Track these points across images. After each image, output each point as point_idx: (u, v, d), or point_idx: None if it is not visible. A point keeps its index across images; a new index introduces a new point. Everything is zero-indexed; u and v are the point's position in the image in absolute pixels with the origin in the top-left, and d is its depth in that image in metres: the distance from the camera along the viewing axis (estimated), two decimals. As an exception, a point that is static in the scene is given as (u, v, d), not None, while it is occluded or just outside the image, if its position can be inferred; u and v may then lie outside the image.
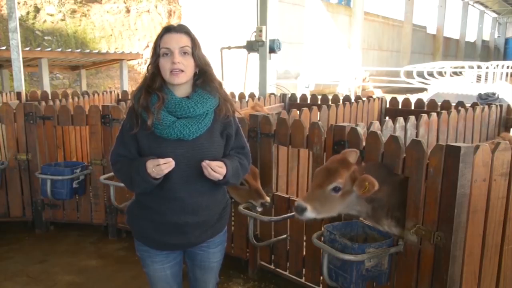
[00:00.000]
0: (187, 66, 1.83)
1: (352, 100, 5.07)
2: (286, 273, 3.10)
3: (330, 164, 2.20)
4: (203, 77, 1.90)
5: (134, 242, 2.03)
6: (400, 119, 3.48)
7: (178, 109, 1.84)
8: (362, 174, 2.12)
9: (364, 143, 2.41)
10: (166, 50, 1.81)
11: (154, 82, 1.84)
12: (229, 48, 9.05)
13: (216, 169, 1.81)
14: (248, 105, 4.80)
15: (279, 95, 5.87)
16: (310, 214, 2.08)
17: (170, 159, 1.77)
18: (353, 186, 2.10)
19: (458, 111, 4.04)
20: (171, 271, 2.03)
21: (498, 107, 4.53)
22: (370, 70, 17.65)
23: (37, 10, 13.16)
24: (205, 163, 1.80)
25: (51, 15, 13.40)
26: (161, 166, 1.75)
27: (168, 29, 1.85)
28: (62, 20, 13.55)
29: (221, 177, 1.84)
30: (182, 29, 1.85)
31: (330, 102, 5.21)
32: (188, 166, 1.84)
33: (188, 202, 1.88)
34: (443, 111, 3.96)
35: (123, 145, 1.90)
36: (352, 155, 2.25)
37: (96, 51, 10.43)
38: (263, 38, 7.27)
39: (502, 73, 14.83)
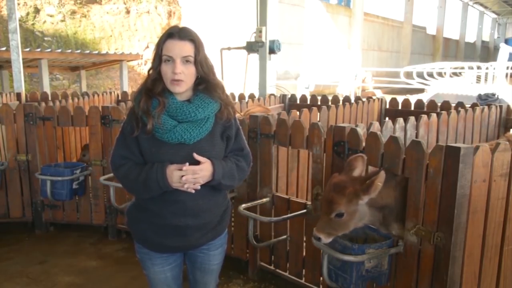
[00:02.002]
0: (188, 75, 1.80)
1: (352, 101, 5.07)
2: (286, 273, 3.10)
3: (326, 192, 2.22)
4: (206, 84, 1.86)
5: (134, 244, 2.02)
6: (400, 120, 3.48)
7: (179, 113, 1.82)
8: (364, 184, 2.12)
9: (364, 144, 2.41)
10: (168, 57, 1.77)
11: (156, 87, 1.81)
12: (229, 49, 9.06)
13: (195, 175, 1.78)
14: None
15: (279, 95, 5.87)
16: (326, 240, 2.18)
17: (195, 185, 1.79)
18: (365, 198, 2.10)
19: (458, 112, 4.04)
20: (171, 274, 2.02)
21: (498, 108, 4.54)
22: (370, 70, 17.65)
23: (37, 11, 13.16)
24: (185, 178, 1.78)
25: (51, 16, 13.40)
26: (184, 185, 1.78)
27: (171, 35, 1.79)
28: (62, 21, 13.55)
29: (202, 181, 1.81)
30: (186, 36, 1.79)
31: (330, 103, 5.21)
32: None
33: (189, 205, 1.87)
34: (442, 111, 3.96)
35: (125, 147, 1.87)
36: (358, 161, 2.22)
37: (96, 52, 10.43)
38: (263, 39, 7.27)
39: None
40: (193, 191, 1.81)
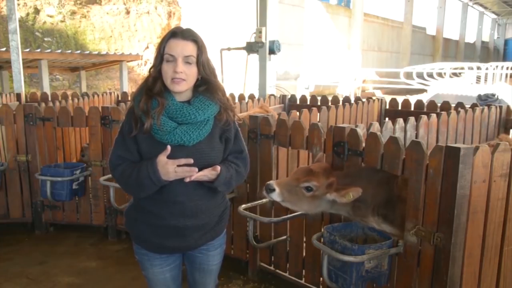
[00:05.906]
0: (189, 75, 1.80)
1: (352, 101, 5.07)
2: (286, 274, 3.10)
3: (314, 166, 2.33)
4: (207, 85, 1.87)
5: (133, 245, 2.02)
6: (400, 120, 3.48)
7: (179, 115, 1.81)
8: (342, 181, 2.21)
9: (363, 144, 2.41)
10: (170, 56, 1.77)
11: (155, 86, 1.81)
12: (228, 49, 9.07)
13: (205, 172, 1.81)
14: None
15: (278, 96, 5.88)
16: (276, 196, 2.22)
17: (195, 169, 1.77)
18: (332, 195, 2.19)
19: (458, 112, 4.04)
20: (170, 274, 2.02)
21: (498, 108, 4.54)
22: (375, 71, 17.64)
23: (37, 11, 13.17)
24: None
25: (51, 16, 13.41)
26: (184, 172, 1.75)
27: (174, 34, 1.79)
28: (62, 21, 13.56)
29: (208, 178, 1.83)
30: (189, 36, 1.79)
31: (329, 103, 5.21)
32: None
33: (188, 206, 1.87)
34: (442, 112, 3.97)
35: (123, 147, 1.87)
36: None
37: (96, 52, 10.42)
38: (263, 39, 7.28)
39: (501, 74, 14.87)
40: (190, 179, 1.79)
